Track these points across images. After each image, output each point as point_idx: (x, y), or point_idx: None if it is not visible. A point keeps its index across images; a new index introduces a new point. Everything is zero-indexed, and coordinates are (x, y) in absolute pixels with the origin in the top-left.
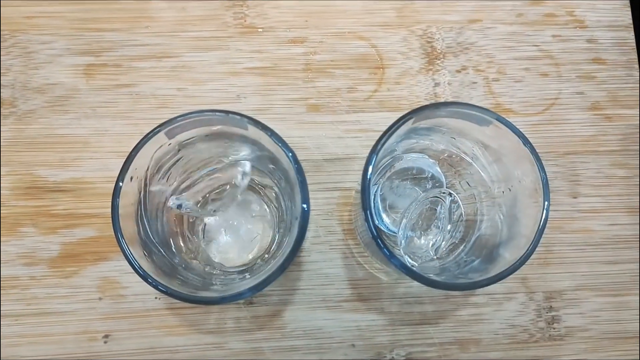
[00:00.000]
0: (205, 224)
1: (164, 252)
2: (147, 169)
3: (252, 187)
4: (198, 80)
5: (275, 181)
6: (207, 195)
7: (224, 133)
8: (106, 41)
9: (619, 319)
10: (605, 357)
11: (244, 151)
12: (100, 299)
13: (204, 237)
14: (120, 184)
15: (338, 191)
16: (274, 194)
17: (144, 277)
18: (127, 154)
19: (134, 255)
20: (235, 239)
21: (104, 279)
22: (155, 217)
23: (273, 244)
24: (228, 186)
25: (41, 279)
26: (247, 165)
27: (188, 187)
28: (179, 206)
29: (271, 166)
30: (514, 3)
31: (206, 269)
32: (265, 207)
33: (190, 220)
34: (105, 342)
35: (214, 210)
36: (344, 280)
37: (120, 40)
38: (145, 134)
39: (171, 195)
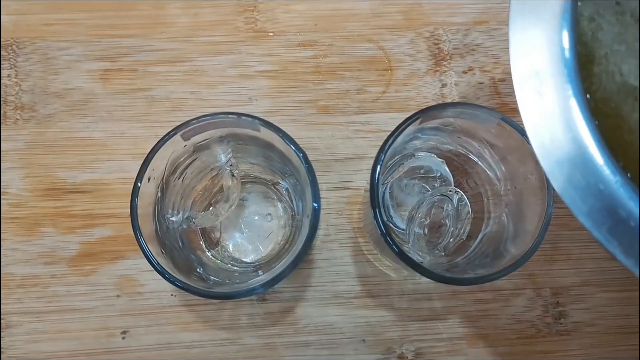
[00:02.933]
0: (221, 223)
1: (180, 249)
2: (164, 170)
3: (265, 184)
4: (211, 83)
5: (286, 180)
6: (211, 202)
7: (237, 135)
8: (122, 47)
9: (624, 314)
10: (611, 351)
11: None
12: (118, 296)
13: (221, 236)
14: (139, 184)
15: (348, 190)
16: (285, 192)
17: (162, 273)
18: (143, 155)
19: (152, 252)
20: (251, 235)
21: (121, 277)
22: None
23: (287, 241)
24: (225, 189)
25: (61, 277)
26: (231, 164)
27: (192, 206)
28: (189, 222)
29: (280, 165)
30: None
31: (222, 266)
32: (279, 204)
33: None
34: (123, 338)
35: (226, 212)
36: (354, 277)
37: (136, 45)
38: (161, 137)
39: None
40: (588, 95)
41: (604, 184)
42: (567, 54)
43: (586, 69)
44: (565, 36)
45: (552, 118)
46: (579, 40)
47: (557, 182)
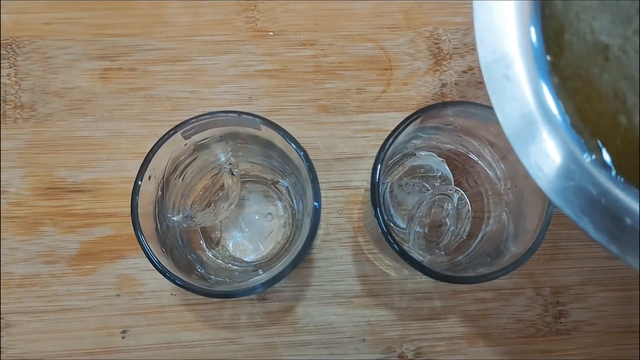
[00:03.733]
0: (221, 222)
1: (181, 248)
2: (165, 169)
3: (264, 183)
4: (211, 82)
5: (286, 179)
6: (210, 201)
7: (238, 134)
8: (122, 46)
9: (624, 313)
10: (611, 350)
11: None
12: (118, 295)
13: (222, 235)
14: (140, 182)
15: (348, 189)
16: (286, 191)
17: (163, 271)
18: (143, 155)
19: (153, 251)
20: (252, 234)
21: (121, 276)
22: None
23: (287, 240)
24: (225, 188)
25: (61, 277)
26: (231, 162)
27: (192, 205)
28: (189, 220)
29: (280, 164)
30: None
31: (223, 265)
32: (279, 203)
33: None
34: (123, 338)
35: (225, 210)
36: (354, 276)
37: (136, 44)
38: (161, 135)
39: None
40: (555, 77)
41: (574, 164)
42: (532, 35)
43: (557, 43)
44: (529, 17)
45: (520, 101)
46: (550, 12)
47: (528, 162)
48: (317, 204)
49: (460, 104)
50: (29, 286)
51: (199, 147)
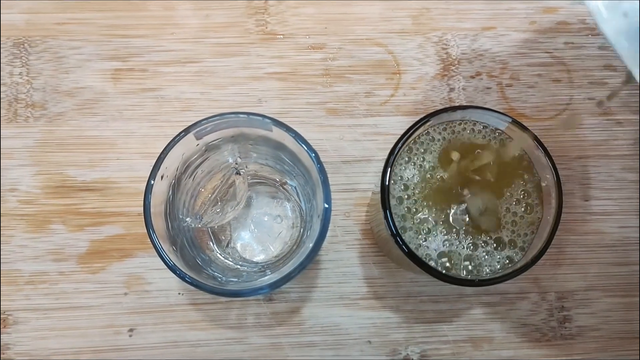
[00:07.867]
0: (231, 223)
1: (190, 248)
2: (177, 169)
3: (273, 185)
4: (220, 84)
5: (295, 180)
6: (218, 200)
7: (248, 135)
8: (133, 47)
9: (628, 319)
10: (615, 356)
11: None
12: (125, 294)
13: (231, 236)
14: (152, 182)
15: (355, 192)
16: (294, 192)
17: (173, 269)
18: (152, 155)
19: (164, 250)
20: (261, 235)
21: (129, 275)
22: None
23: (295, 241)
24: (232, 188)
25: (70, 275)
26: (238, 163)
27: (202, 205)
28: (198, 219)
29: (290, 165)
30: (527, 11)
31: (231, 265)
32: (288, 204)
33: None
34: (130, 336)
35: (233, 210)
36: (360, 278)
37: (147, 46)
38: (171, 136)
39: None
40: None
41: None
42: None
43: None
44: None
45: None
46: None
47: None
48: (327, 205)
49: (470, 108)
50: (37, 283)
51: (210, 148)
